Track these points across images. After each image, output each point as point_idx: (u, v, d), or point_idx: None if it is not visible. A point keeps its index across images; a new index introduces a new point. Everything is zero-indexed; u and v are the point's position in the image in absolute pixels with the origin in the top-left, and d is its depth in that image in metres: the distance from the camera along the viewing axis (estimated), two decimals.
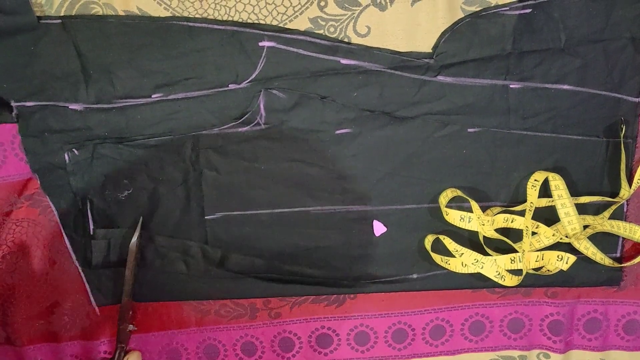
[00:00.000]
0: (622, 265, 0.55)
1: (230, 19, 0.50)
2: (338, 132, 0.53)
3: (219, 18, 0.50)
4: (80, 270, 0.55)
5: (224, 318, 0.58)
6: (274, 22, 0.50)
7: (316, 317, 0.58)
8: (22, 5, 0.47)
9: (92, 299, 0.56)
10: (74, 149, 0.52)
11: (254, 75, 0.51)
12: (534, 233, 0.54)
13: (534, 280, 0.56)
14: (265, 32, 0.50)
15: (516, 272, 0.55)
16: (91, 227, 0.54)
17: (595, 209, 0.55)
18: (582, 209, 0.54)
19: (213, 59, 0.50)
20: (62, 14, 0.49)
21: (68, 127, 0.51)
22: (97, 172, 0.53)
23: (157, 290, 0.56)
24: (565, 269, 0.54)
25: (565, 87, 0.52)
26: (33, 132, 0.51)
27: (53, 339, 0.57)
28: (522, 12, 0.50)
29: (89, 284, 0.56)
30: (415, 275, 0.57)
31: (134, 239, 0.52)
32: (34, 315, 0.56)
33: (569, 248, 0.55)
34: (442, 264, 0.55)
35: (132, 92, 0.51)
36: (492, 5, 0.50)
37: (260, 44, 0.50)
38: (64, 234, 0.54)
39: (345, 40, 0.50)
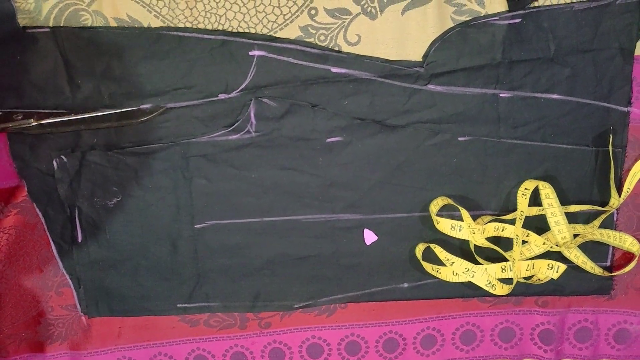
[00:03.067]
0: (613, 274, 0.55)
1: (220, 26, 0.50)
2: (329, 140, 0.53)
3: (209, 26, 0.50)
4: (69, 279, 0.55)
5: (214, 328, 0.57)
6: (265, 30, 0.50)
7: (307, 326, 0.58)
8: (6, 14, 0.47)
9: (79, 308, 0.56)
10: (62, 156, 0.51)
11: (244, 85, 0.51)
12: (524, 242, 0.54)
13: (525, 289, 0.56)
14: (256, 41, 0.50)
15: (507, 281, 0.55)
16: (79, 235, 0.54)
17: (585, 218, 0.55)
18: (572, 218, 0.54)
19: (202, 69, 0.50)
20: (51, 21, 0.49)
21: (56, 134, 0.51)
22: (85, 179, 0.52)
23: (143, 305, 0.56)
24: (555, 278, 0.54)
25: (555, 96, 0.52)
26: (20, 139, 0.51)
27: (39, 350, 0.56)
28: (511, 21, 0.50)
29: (76, 293, 0.55)
30: (406, 284, 0.56)
31: None
32: (20, 325, 0.55)
33: (559, 257, 0.55)
34: (433, 273, 0.55)
35: (120, 102, 0.50)
36: (482, 15, 0.50)
37: (251, 53, 0.50)
38: (51, 241, 0.53)
39: (336, 48, 0.51)
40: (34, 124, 0.49)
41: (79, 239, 0.54)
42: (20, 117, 0.49)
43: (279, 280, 0.56)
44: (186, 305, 0.56)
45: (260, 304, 0.57)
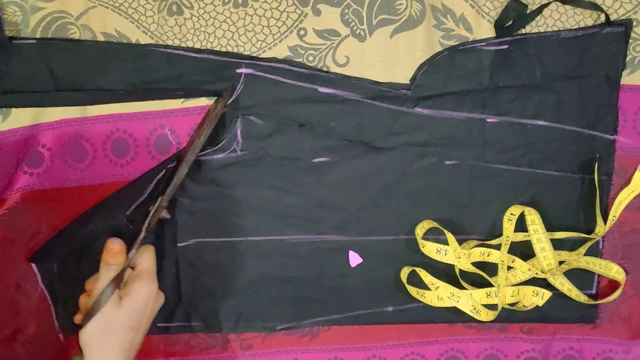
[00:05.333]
0: (598, 302, 0.55)
1: (209, 44, 0.50)
2: (315, 160, 0.52)
3: (198, 44, 0.50)
4: (47, 295, 0.54)
5: (194, 349, 0.56)
6: (253, 49, 0.50)
7: (289, 349, 0.57)
8: None
9: (57, 324, 0.54)
10: None
11: (229, 102, 0.50)
12: (510, 267, 0.54)
13: (510, 316, 0.55)
14: (243, 60, 0.50)
15: (492, 307, 0.54)
16: None
17: (571, 245, 0.55)
18: (557, 245, 0.54)
19: (189, 87, 0.50)
20: (38, 34, 0.48)
21: None
22: None
23: None
24: (540, 305, 0.53)
25: (541, 122, 0.52)
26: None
27: None
28: (499, 48, 0.50)
29: (55, 309, 0.54)
30: (390, 308, 0.56)
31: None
32: None
33: (544, 284, 0.54)
34: (418, 297, 0.54)
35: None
36: (470, 40, 0.51)
37: (238, 71, 0.50)
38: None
39: (324, 69, 0.51)
40: (164, 205, 0.48)
41: None
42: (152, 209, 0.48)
43: (262, 301, 0.55)
44: (166, 324, 0.55)
45: (243, 325, 0.56)
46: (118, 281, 0.44)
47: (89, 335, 0.42)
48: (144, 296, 0.45)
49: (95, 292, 0.43)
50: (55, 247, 0.51)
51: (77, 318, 0.46)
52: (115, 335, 0.43)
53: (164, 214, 0.48)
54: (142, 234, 0.47)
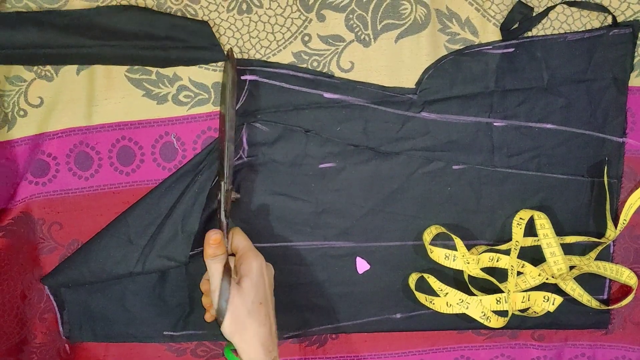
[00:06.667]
0: (610, 307, 0.54)
1: None
2: (322, 166, 0.52)
3: None
4: (53, 300, 0.53)
5: (201, 358, 0.56)
6: (258, 56, 0.50)
7: (297, 357, 0.56)
8: None
9: (62, 331, 0.54)
10: None
11: (235, 109, 0.50)
12: (519, 273, 0.53)
13: (520, 322, 0.55)
14: (247, 67, 0.50)
15: (502, 313, 0.53)
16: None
17: (581, 250, 0.54)
18: (568, 249, 0.53)
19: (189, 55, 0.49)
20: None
21: None
22: None
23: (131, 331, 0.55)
24: (551, 310, 0.53)
25: (549, 126, 0.52)
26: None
27: None
28: (505, 51, 0.50)
29: (60, 315, 0.54)
30: (398, 315, 0.55)
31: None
32: (2, 353, 0.54)
33: (555, 289, 0.54)
34: (427, 304, 0.54)
35: None
36: (476, 43, 0.50)
37: (242, 77, 0.50)
38: None
39: (329, 75, 0.50)
40: (230, 187, 0.48)
41: None
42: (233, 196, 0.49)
43: None
44: (173, 333, 0.55)
45: None
46: (229, 271, 0.45)
47: (229, 327, 0.44)
48: (257, 270, 0.46)
49: (214, 288, 0.45)
50: (72, 273, 0.52)
51: (207, 317, 0.48)
52: (249, 316, 0.45)
53: (234, 194, 0.49)
54: (225, 222, 0.48)
